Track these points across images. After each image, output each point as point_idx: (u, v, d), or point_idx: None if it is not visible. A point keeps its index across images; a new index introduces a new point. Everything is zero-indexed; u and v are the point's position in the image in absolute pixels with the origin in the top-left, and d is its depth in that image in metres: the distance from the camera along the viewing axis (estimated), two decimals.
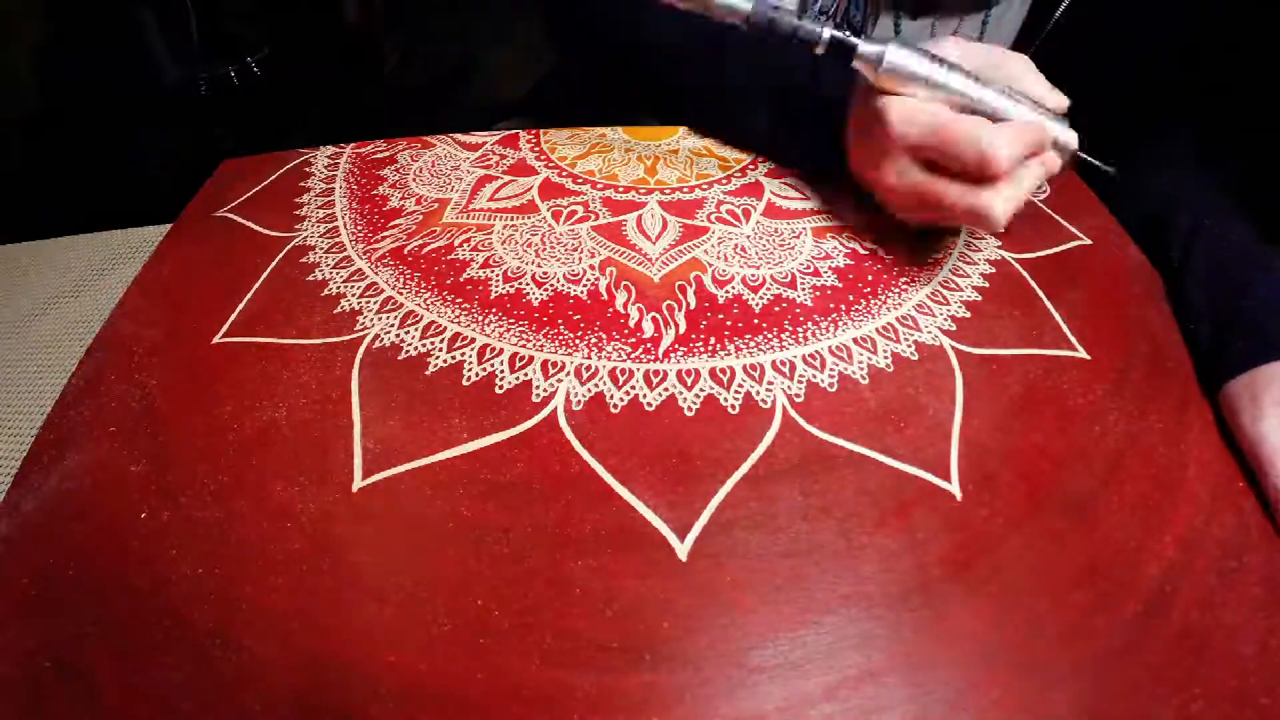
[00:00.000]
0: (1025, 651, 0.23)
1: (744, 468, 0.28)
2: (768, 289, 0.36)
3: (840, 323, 0.35)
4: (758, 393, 0.31)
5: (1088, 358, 0.33)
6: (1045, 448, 0.30)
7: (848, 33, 0.34)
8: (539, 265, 0.38)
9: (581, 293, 0.36)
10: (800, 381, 0.32)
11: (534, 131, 0.49)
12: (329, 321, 0.35)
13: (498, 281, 0.37)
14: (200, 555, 0.26)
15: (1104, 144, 0.36)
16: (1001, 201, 0.32)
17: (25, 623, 0.24)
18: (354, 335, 0.34)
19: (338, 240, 0.39)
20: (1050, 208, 0.42)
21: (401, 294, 0.36)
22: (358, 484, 0.28)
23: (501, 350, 0.33)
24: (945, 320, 0.35)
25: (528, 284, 0.37)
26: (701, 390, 0.31)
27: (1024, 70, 0.35)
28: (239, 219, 0.42)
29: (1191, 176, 0.42)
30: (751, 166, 0.45)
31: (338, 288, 0.37)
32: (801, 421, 0.30)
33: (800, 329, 0.34)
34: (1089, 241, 0.40)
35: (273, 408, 0.31)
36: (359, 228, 0.40)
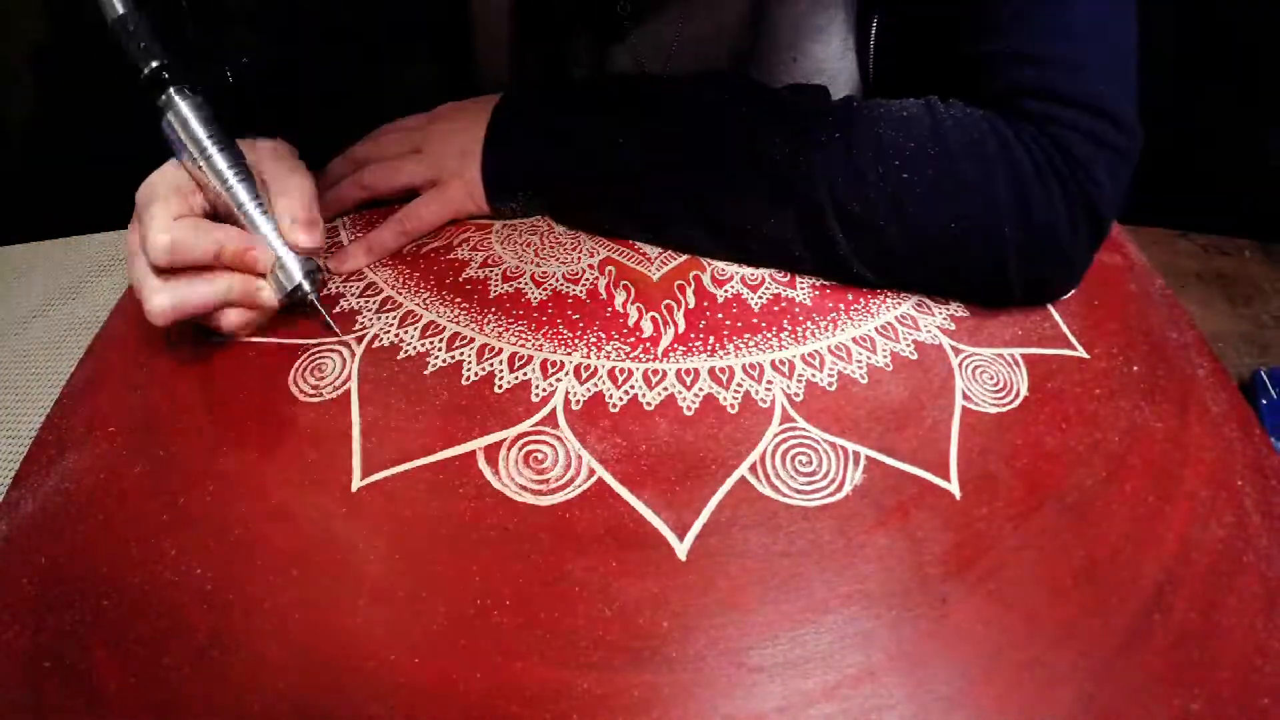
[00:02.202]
0: (1025, 651, 0.23)
1: (743, 467, 0.28)
2: (767, 288, 0.36)
3: (839, 322, 0.35)
4: (757, 392, 0.31)
5: (1088, 357, 0.33)
6: (1045, 448, 0.30)
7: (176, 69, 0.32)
8: (538, 265, 0.38)
9: (580, 292, 0.36)
10: (799, 381, 0.32)
11: None
12: None
13: (496, 281, 0.37)
14: (200, 555, 0.26)
15: None
16: (161, 294, 0.30)
17: (25, 623, 0.24)
18: (353, 335, 0.34)
19: (337, 240, 0.39)
20: None
21: (400, 294, 0.36)
22: (357, 484, 0.28)
23: (500, 350, 0.33)
24: (945, 320, 0.35)
25: (527, 283, 0.37)
26: (701, 390, 0.31)
27: (301, 191, 0.33)
28: None
29: None
30: None
31: (337, 287, 0.37)
32: (801, 421, 0.30)
33: (799, 328, 0.34)
34: None
35: (272, 407, 0.31)
36: (358, 227, 0.40)
